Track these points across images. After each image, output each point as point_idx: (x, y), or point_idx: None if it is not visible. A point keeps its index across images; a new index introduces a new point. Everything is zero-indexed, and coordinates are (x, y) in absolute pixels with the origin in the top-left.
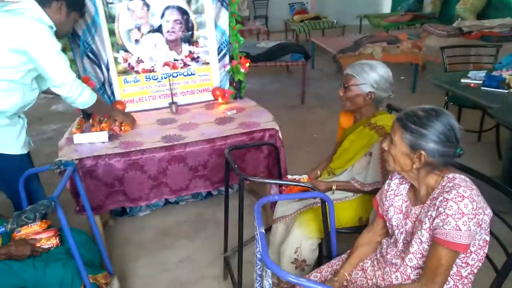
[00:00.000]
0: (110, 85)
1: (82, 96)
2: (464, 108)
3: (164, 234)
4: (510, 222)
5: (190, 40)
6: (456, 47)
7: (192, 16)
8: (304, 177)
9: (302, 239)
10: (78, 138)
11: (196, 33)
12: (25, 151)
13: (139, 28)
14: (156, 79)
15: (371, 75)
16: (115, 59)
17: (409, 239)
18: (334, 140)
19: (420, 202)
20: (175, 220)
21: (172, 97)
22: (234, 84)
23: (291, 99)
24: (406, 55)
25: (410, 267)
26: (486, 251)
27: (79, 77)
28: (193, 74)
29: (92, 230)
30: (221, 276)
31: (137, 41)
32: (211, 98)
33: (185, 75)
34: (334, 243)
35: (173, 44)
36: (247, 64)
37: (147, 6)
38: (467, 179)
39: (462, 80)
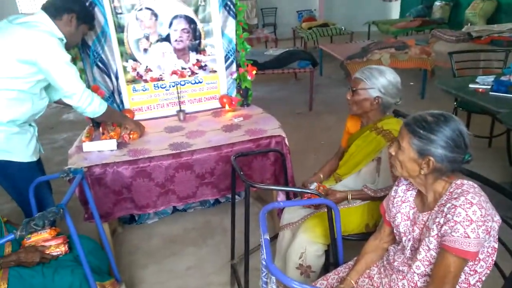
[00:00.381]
0: (119, 93)
1: (92, 106)
2: (474, 113)
3: (172, 241)
4: None
5: (197, 48)
6: (465, 52)
7: (200, 25)
8: (315, 185)
9: (307, 244)
10: (88, 146)
11: (203, 41)
12: (34, 159)
13: (147, 38)
14: (164, 87)
15: (380, 80)
16: (124, 68)
17: (417, 246)
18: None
19: (428, 209)
20: (183, 227)
21: (179, 105)
22: (241, 92)
23: (299, 106)
24: (415, 61)
25: (417, 274)
26: (494, 258)
27: (88, 86)
28: (201, 82)
29: (100, 238)
30: (228, 284)
31: (145, 50)
32: (219, 105)
33: (192, 83)
34: (340, 250)
35: (180, 53)
36: (254, 72)
37: (155, 15)
38: (475, 185)
39: (470, 86)
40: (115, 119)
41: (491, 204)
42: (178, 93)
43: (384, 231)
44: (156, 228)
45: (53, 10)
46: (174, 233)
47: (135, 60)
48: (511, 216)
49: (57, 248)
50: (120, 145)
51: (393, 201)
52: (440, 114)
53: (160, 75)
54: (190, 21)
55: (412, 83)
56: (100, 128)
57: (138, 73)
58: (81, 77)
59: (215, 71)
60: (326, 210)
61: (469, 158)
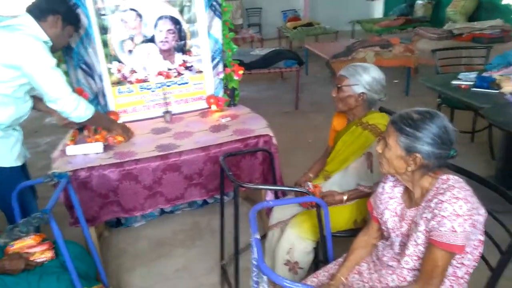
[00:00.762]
0: (104, 96)
1: (77, 111)
2: (457, 109)
3: (160, 244)
4: (504, 221)
5: (183, 49)
6: (447, 50)
7: (185, 26)
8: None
9: (294, 239)
10: (71, 150)
11: (189, 42)
12: (19, 164)
13: (132, 39)
14: (149, 88)
15: (364, 77)
16: (109, 70)
17: (405, 241)
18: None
19: (415, 204)
20: (171, 229)
21: (166, 106)
22: (228, 92)
23: (286, 105)
24: (399, 59)
25: (407, 269)
26: (481, 251)
27: (72, 89)
28: (187, 83)
29: (86, 242)
30: (218, 285)
31: (130, 51)
32: (205, 106)
33: (178, 84)
34: (330, 248)
35: (166, 54)
36: (241, 72)
37: (140, 16)
38: (461, 180)
39: (453, 82)
40: (102, 123)
41: (476, 198)
42: (164, 94)
43: (372, 228)
44: (143, 231)
45: (37, 12)
46: (162, 235)
47: (119, 61)
48: (496, 209)
49: (42, 254)
50: (105, 148)
51: (380, 198)
52: (426, 111)
53: (146, 76)
54: (175, 21)
55: (396, 81)
56: (85, 131)
57: (123, 74)
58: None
59: (201, 72)
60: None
61: (454, 153)
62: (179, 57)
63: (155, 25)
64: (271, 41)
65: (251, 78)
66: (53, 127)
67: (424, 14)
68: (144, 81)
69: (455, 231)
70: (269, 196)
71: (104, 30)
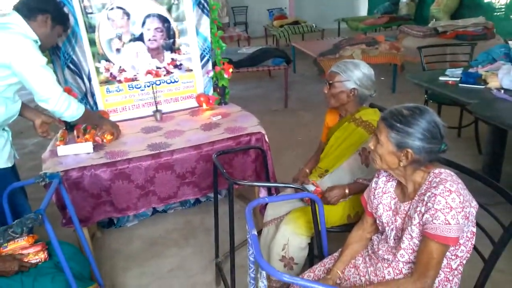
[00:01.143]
0: (93, 95)
1: (70, 110)
2: (444, 105)
3: (153, 243)
4: (493, 214)
5: (172, 47)
6: (433, 47)
7: (173, 24)
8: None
9: (289, 235)
10: (62, 150)
11: (178, 40)
12: (9, 164)
13: (120, 37)
14: (139, 87)
15: (355, 73)
16: (97, 69)
17: (400, 235)
18: (318, 143)
19: (408, 198)
20: (164, 229)
21: (156, 105)
22: (218, 90)
23: (275, 104)
24: (385, 56)
25: (402, 262)
26: (473, 242)
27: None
28: (177, 82)
29: (79, 243)
30: (214, 283)
31: (118, 50)
32: (196, 104)
33: (168, 83)
34: (325, 243)
35: (155, 52)
36: (230, 70)
37: (127, 15)
38: (453, 174)
39: (440, 78)
40: (92, 121)
41: (468, 191)
42: (153, 93)
43: (366, 222)
44: (136, 230)
45: (26, 10)
46: (155, 235)
47: (108, 60)
48: (485, 202)
49: (36, 255)
50: (96, 148)
51: (374, 193)
52: (415, 107)
53: (135, 75)
54: (163, 20)
55: (383, 78)
56: (75, 131)
57: (111, 73)
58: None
59: (191, 70)
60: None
61: (445, 147)
62: (168, 56)
63: (143, 24)
64: (258, 40)
65: (239, 77)
66: None
67: (408, 12)
68: (133, 80)
69: (449, 224)
70: (263, 193)
71: (91, 28)
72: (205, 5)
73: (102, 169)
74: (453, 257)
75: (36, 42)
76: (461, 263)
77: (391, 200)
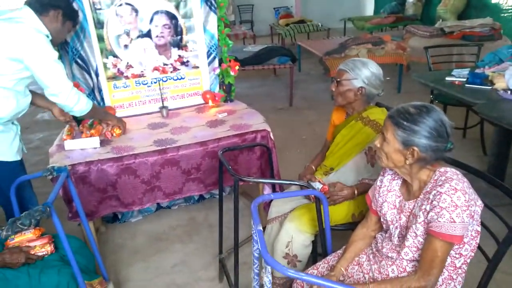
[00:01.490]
0: (100, 91)
1: (79, 104)
2: (449, 105)
3: (157, 239)
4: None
5: (179, 44)
6: (439, 47)
7: (181, 21)
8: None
9: (293, 233)
10: (70, 144)
11: (185, 37)
12: (18, 158)
13: (128, 34)
14: (146, 84)
15: (363, 71)
16: (104, 64)
17: (404, 233)
18: (323, 141)
19: (413, 197)
20: (168, 224)
21: (162, 102)
22: (224, 87)
23: (280, 102)
24: (391, 56)
25: (406, 260)
26: (478, 241)
27: None
28: (183, 78)
29: (85, 236)
30: (217, 279)
31: (126, 46)
32: (202, 101)
33: (175, 79)
34: (329, 241)
35: (162, 49)
36: (237, 67)
37: (136, 11)
38: (458, 172)
39: (447, 78)
40: (98, 116)
41: (473, 190)
42: (160, 89)
43: (371, 220)
44: (140, 226)
45: (38, 6)
46: (159, 230)
47: (115, 56)
48: (489, 203)
49: (42, 248)
50: (103, 143)
51: (379, 191)
52: (422, 105)
53: (142, 71)
54: (171, 16)
55: (388, 78)
56: (80, 126)
57: (118, 69)
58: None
59: (197, 67)
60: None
61: (451, 146)
62: (175, 52)
63: (151, 20)
64: (264, 38)
65: (244, 75)
66: (45, 123)
67: (414, 12)
68: (140, 76)
69: (454, 222)
70: (267, 190)
71: (99, 24)
72: (213, 2)
73: (109, 164)
74: (457, 256)
75: (48, 37)
76: (465, 262)
77: (396, 198)
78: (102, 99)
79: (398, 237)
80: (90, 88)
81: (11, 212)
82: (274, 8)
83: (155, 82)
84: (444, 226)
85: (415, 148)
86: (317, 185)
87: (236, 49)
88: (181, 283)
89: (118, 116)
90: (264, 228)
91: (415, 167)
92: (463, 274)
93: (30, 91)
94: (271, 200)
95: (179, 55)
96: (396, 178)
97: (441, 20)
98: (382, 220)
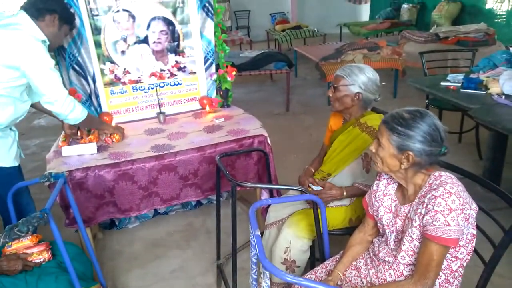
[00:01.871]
0: (97, 97)
1: (74, 112)
2: (444, 110)
3: (155, 245)
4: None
5: (176, 50)
6: (434, 52)
7: (178, 27)
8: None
9: (291, 238)
10: (67, 150)
11: (182, 43)
12: (16, 164)
13: (125, 40)
14: (143, 89)
15: (360, 77)
16: (102, 70)
17: (400, 237)
18: (320, 146)
19: (409, 201)
20: (165, 230)
21: (159, 107)
22: (221, 93)
23: (276, 107)
24: (387, 61)
25: (403, 264)
26: (474, 244)
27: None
28: (180, 84)
29: (82, 243)
30: (215, 285)
31: (123, 52)
32: (199, 107)
33: (172, 85)
34: (326, 245)
35: (159, 55)
36: (234, 73)
37: (133, 17)
38: (453, 176)
39: (442, 83)
40: (94, 125)
41: (467, 193)
42: (157, 95)
43: (368, 225)
44: (137, 232)
45: (34, 11)
46: (156, 236)
47: (112, 62)
48: (484, 207)
49: (39, 255)
50: (100, 149)
51: (375, 195)
52: (416, 110)
53: (139, 77)
54: (168, 22)
55: (384, 83)
56: (78, 133)
57: (116, 75)
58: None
59: (194, 73)
60: (310, 206)
61: (445, 150)
62: (172, 58)
63: (148, 26)
64: (260, 44)
65: (241, 80)
66: (41, 129)
67: (409, 18)
68: (137, 82)
69: (449, 225)
70: (264, 195)
71: (96, 30)
72: (210, 8)
73: (106, 170)
74: (453, 259)
75: (45, 42)
76: (462, 265)
77: (391, 202)
78: (99, 105)
79: (394, 241)
80: (87, 94)
81: (9, 219)
82: (271, 14)
83: (152, 88)
84: (439, 230)
85: (410, 153)
86: (318, 188)
87: (233, 54)
88: None
89: (115, 123)
90: (262, 233)
91: (410, 171)
92: (460, 278)
93: None
94: (269, 205)
95: (176, 61)
96: (391, 182)
97: (436, 25)
98: (378, 224)
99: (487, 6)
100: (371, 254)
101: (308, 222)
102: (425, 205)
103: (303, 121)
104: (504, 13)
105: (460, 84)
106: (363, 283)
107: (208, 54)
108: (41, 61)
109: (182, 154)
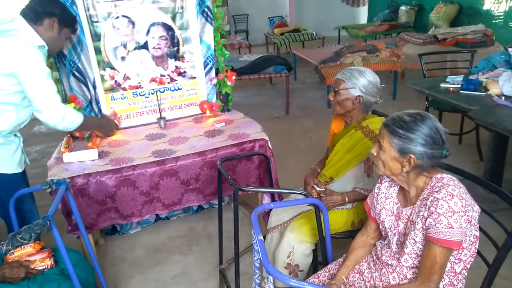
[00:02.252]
0: (97, 103)
1: (63, 123)
2: (444, 112)
3: (156, 250)
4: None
5: (176, 55)
6: (433, 54)
7: (177, 32)
8: (320, 189)
9: (294, 243)
10: (68, 157)
11: (181, 48)
12: (19, 170)
13: (125, 46)
14: (143, 95)
15: (360, 80)
16: (102, 76)
17: (402, 240)
18: (320, 149)
19: (410, 203)
20: (167, 235)
21: (160, 112)
22: (221, 97)
23: (276, 111)
24: (385, 63)
25: (406, 267)
26: (477, 246)
27: (65, 96)
28: (180, 89)
29: (84, 249)
30: None
31: (123, 58)
32: (199, 111)
33: (172, 90)
34: (329, 249)
35: (159, 60)
36: (233, 77)
37: (132, 23)
38: (454, 178)
39: (442, 85)
40: (92, 128)
41: (470, 195)
42: (157, 100)
43: (370, 228)
44: (139, 237)
45: (33, 15)
46: (158, 242)
47: (112, 68)
48: (486, 208)
49: (42, 262)
50: (101, 155)
51: (377, 198)
52: (417, 113)
53: (139, 82)
54: (168, 28)
55: (383, 85)
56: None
57: (116, 81)
58: (56, 87)
59: (194, 78)
60: (313, 210)
61: (446, 153)
62: (172, 63)
63: (148, 32)
64: (259, 47)
65: (240, 84)
66: (42, 136)
67: (407, 20)
68: (138, 87)
69: (452, 227)
70: (266, 199)
71: (96, 37)
72: (209, 13)
73: (108, 175)
74: (456, 261)
75: (44, 47)
76: (465, 267)
77: (393, 205)
78: (100, 111)
79: (397, 244)
80: (87, 100)
81: (12, 225)
82: (269, 18)
83: (152, 93)
84: (442, 232)
85: (412, 156)
86: (322, 190)
87: (232, 58)
88: None
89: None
90: (264, 237)
91: (412, 174)
92: (464, 280)
93: None
94: (270, 209)
95: (176, 66)
96: (393, 185)
97: (433, 27)
98: (380, 227)
99: (485, 7)
100: (374, 257)
101: (311, 226)
102: (427, 207)
103: (303, 124)
104: (501, 14)
105: (459, 86)
106: (366, 287)
107: (207, 59)
108: (35, 69)
109: (183, 159)
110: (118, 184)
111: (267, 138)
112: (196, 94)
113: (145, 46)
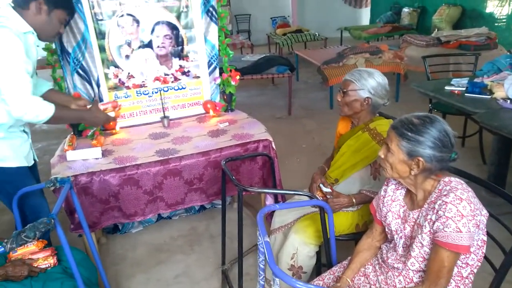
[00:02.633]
0: (101, 101)
1: (28, 115)
2: (448, 114)
3: (158, 249)
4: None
5: (180, 54)
6: (437, 56)
7: (182, 31)
8: (326, 189)
9: (298, 245)
10: (72, 155)
11: (186, 47)
12: (24, 164)
13: (129, 44)
14: (147, 94)
15: (369, 81)
16: (106, 75)
17: (408, 243)
18: (322, 150)
19: (418, 206)
20: (169, 235)
21: (163, 111)
22: (225, 97)
23: (279, 111)
24: (388, 65)
25: (413, 270)
26: (484, 250)
27: (69, 93)
28: (184, 88)
29: (87, 248)
30: None
31: (127, 56)
32: (203, 111)
33: (176, 89)
34: (334, 251)
35: (163, 59)
36: (237, 77)
37: (137, 22)
38: (463, 182)
39: (446, 88)
40: (68, 122)
41: (478, 199)
42: (161, 99)
43: (376, 230)
44: (141, 237)
45: (20, 0)
46: (160, 241)
47: (117, 66)
48: (493, 212)
49: (45, 260)
50: (105, 153)
51: (383, 201)
52: (425, 115)
53: (143, 81)
54: (172, 27)
55: None
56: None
57: (120, 79)
58: (60, 85)
59: (198, 77)
60: (318, 211)
61: (455, 156)
62: (176, 63)
63: (152, 31)
64: (261, 47)
65: (242, 84)
66: (43, 133)
67: (410, 22)
68: (141, 86)
69: (460, 231)
70: (269, 200)
71: (101, 35)
72: (214, 13)
73: (111, 174)
74: (463, 265)
75: (28, 33)
76: (472, 272)
77: (400, 208)
78: (93, 100)
79: (403, 247)
80: (91, 98)
81: (22, 216)
82: (271, 18)
83: (156, 92)
84: (450, 236)
85: (420, 159)
86: (327, 190)
87: (234, 58)
88: None
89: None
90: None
91: (419, 177)
92: (470, 285)
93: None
94: (274, 210)
95: (180, 65)
96: (400, 188)
97: (436, 29)
98: (386, 230)
99: (488, 10)
100: (380, 260)
101: (315, 228)
102: (435, 211)
103: (305, 125)
104: (504, 17)
105: (464, 89)
106: None
107: (212, 58)
108: (5, 56)
109: (187, 158)
110: (121, 183)
111: (271, 139)
112: (200, 94)
113: (149, 44)
